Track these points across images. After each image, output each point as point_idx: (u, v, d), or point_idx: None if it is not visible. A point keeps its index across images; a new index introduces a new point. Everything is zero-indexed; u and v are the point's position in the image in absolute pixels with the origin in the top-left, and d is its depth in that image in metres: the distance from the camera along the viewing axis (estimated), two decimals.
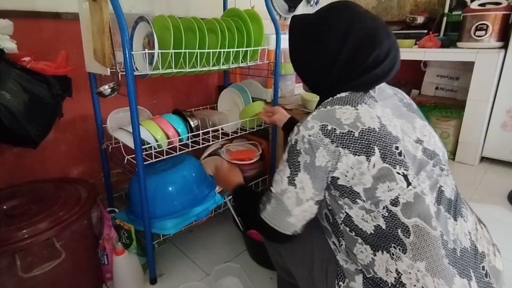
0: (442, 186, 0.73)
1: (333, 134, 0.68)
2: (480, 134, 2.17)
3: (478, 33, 2.07)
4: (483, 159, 2.29)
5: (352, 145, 0.67)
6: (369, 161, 0.66)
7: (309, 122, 0.70)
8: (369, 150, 0.66)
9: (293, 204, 0.72)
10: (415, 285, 0.63)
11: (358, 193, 0.68)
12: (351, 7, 0.76)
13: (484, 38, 2.06)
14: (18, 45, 1.06)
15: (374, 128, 0.68)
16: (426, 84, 2.76)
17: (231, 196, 1.45)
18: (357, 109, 0.70)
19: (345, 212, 0.71)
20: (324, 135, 0.68)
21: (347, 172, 0.68)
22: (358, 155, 0.66)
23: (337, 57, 0.74)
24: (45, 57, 1.10)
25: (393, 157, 0.67)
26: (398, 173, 0.66)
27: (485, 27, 2.04)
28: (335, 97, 0.75)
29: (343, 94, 0.74)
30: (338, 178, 0.69)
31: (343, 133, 0.67)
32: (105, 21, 0.97)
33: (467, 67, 2.29)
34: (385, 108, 0.74)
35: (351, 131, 0.67)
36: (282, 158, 0.75)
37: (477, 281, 0.67)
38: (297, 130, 0.72)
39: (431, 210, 0.68)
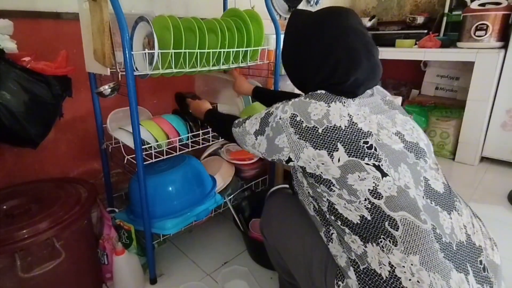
0: (428, 180, 0.73)
1: (299, 126, 0.73)
2: (480, 134, 2.17)
3: (478, 33, 2.07)
4: (483, 159, 2.29)
5: (314, 139, 0.72)
6: (331, 156, 0.70)
7: (286, 106, 0.77)
8: (331, 146, 0.70)
9: (249, 144, 0.87)
10: (410, 279, 0.63)
11: (330, 180, 0.71)
12: (343, 19, 0.79)
13: (484, 38, 2.06)
14: (18, 45, 1.06)
15: (340, 126, 0.71)
16: (426, 84, 2.76)
17: (231, 196, 1.46)
18: (329, 106, 0.74)
19: (327, 200, 0.74)
20: (291, 124, 0.74)
21: (310, 162, 0.73)
22: (319, 149, 0.71)
23: (319, 69, 0.79)
24: (45, 57, 1.10)
25: (360, 150, 0.70)
26: (367, 164, 0.69)
27: (485, 27, 2.04)
28: (314, 92, 0.79)
29: (322, 91, 0.79)
30: (305, 168, 0.74)
31: (308, 127, 0.73)
32: (105, 21, 0.97)
33: (467, 67, 2.29)
34: (361, 107, 0.77)
35: (316, 127, 0.72)
36: (262, 112, 0.83)
37: (475, 275, 0.66)
38: (278, 105, 0.79)
39: (419, 203, 0.68)
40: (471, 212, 0.79)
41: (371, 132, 0.72)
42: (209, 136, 1.36)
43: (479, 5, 2.10)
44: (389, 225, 0.66)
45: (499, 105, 2.12)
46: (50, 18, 1.31)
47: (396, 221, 0.66)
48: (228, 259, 1.37)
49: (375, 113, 0.77)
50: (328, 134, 0.71)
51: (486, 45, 2.07)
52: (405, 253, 0.65)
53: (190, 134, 1.31)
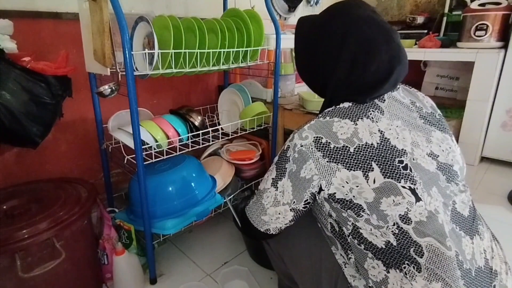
0: (456, 203, 0.70)
1: (326, 148, 0.66)
2: (480, 134, 2.17)
3: (478, 33, 2.07)
4: (483, 159, 2.29)
5: (346, 160, 0.65)
6: (366, 177, 0.64)
7: (304, 131, 0.69)
8: (366, 165, 0.64)
9: (269, 204, 0.74)
10: None
11: (361, 205, 0.66)
12: (348, 10, 0.72)
13: (484, 38, 2.06)
14: (18, 45, 1.06)
15: (372, 144, 0.66)
16: (426, 84, 2.76)
17: (231, 196, 1.46)
18: (356, 124, 0.68)
19: (352, 223, 0.69)
20: (317, 148, 0.67)
21: (343, 186, 0.66)
22: (354, 170, 0.65)
23: (335, 68, 0.72)
24: (45, 57, 1.11)
25: (396, 171, 0.64)
26: (404, 187, 0.64)
27: (485, 27, 2.04)
28: (337, 107, 0.72)
29: (346, 105, 0.72)
30: (335, 193, 0.67)
31: (337, 147, 0.66)
32: (105, 21, 0.97)
33: (467, 67, 2.29)
34: (393, 120, 0.70)
35: (346, 146, 0.66)
36: (275, 159, 0.76)
37: None
38: (292, 137, 0.72)
39: (446, 229, 0.65)
40: (491, 234, 0.77)
41: (405, 150, 0.66)
42: (209, 136, 1.36)
43: (479, 5, 2.10)
44: (414, 252, 0.64)
45: (499, 105, 2.12)
46: (50, 18, 1.31)
47: (422, 248, 0.63)
48: (228, 259, 1.37)
49: (409, 128, 0.71)
50: (361, 153, 0.65)
51: (486, 45, 2.07)
52: (428, 280, 0.62)
53: (190, 134, 1.30)
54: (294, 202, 0.72)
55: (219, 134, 1.38)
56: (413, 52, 2.32)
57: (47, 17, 1.30)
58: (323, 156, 0.66)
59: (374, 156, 0.65)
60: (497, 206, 1.75)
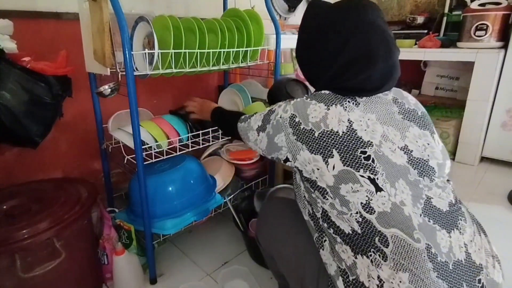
0: (432, 198, 0.70)
1: (297, 127, 0.73)
2: (480, 134, 2.17)
3: (478, 33, 2.07)
4: (483, 159, 2.29)
5: (310, 143, 0.71)
6: (326, 162, 0.69)
7: (288, 105, 0.77)
8: (326, 151, 0.69)
9: (251, 139, 0.88)
10: None
11: (324, 188, 0.70)
12: (363, 14, 0.74)
13: (484, 38, 2.06)
14: (18, 45, 1.06)
15: (337, 132, 0.69)
16: (426, 84, 2.76)
17: (231, 196, 1.46)
18: (328, 109, 0.72)
19: (321, 206, 0.73)
20: (289, 124, 0.74)
21: (306, 166, 0.72)
22: (314, 154, 0.70)
23: (331, 66, 0.76)
24: (45, 57, 1.10)
25: (356, 160, 0.67)
26: (362, 176, 0.66)
27: (485, 27, 2.04)
28: (318, 92, 0.78)
29: (326, 91, 0.77)
30: (302, 171, 0.74)
31: (305, 129, 0.72)
32: (105, 21, 0.97)
33: (467, 67, 2.29)
34: (367, 113, 0.73)
35: (312, 130, 0.71)
36: (264, 112, 0.85)
37: None
38: (280, 104, 0.80)
39: (414, 221, 0.65)
40: (478, 229, 0.76)
41: (371, 142, 0.68)
42: (209, 136, 1.36)
43: (479, 5, 2.10)
44: (379, 241, 0.65)
45: (499, 105, 2.12)
46: (50, 18, 1.31)
47: (387, 238, 0.65)
48: (228, 259, 1.37)
49: (383, 122, 0.73)
50: (324, 139, 0.69)
51: (486, 45, 2.07)
52: (394, 270, 0.63)
53: (190, 134, 1.31)
54: (265, 152, 0.84)
55: (219, 134, 1.38)
56: (413, 52, 2.32)
57: (47, 17, 1.30)
58: (293, 133, 0.73)
59: (337, 144, 0.69)
60: (497, 206, 1.75)
